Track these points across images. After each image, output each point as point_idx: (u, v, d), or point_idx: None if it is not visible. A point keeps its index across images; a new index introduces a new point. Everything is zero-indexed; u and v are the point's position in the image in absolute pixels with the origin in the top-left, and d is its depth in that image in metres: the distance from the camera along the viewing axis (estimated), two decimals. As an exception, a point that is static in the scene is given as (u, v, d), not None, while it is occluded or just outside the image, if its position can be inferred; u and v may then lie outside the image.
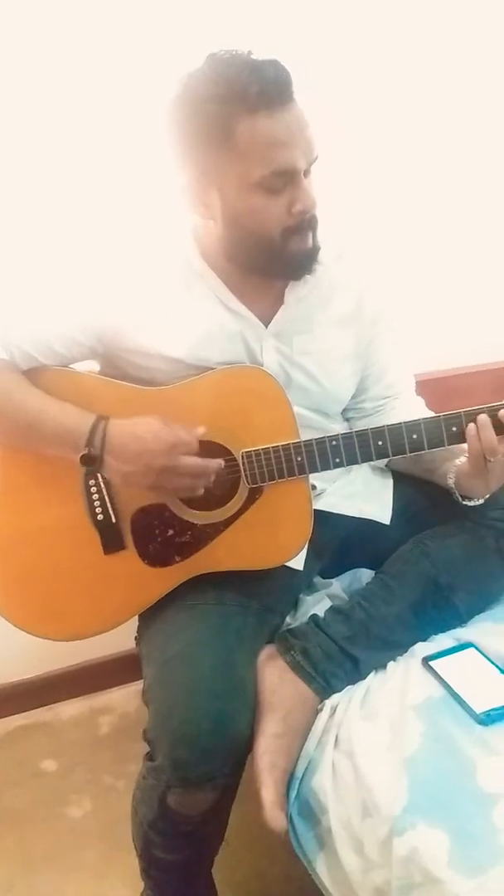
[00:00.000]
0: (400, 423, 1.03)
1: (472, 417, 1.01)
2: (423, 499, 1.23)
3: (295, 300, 1.10)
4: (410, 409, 1.19)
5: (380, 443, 1.03)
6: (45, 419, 1.02)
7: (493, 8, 1.57)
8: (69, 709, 1.71)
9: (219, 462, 1.03)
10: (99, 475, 1.05)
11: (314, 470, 1.05)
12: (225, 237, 1.02)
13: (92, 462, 1.00)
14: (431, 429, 1.02)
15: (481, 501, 1.12)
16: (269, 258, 1.02)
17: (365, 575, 1.25)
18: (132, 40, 1.31)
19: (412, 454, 1.05)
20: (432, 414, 1.19)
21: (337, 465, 1.05)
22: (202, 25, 1.31)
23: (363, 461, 1.05)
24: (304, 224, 1.00)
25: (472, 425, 1.00)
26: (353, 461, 1.05)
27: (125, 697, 1.72)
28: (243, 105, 0.90)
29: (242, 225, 0.99)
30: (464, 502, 1.12)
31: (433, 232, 1.71)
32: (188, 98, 0.94)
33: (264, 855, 1.29)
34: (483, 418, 0.99)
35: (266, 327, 1.09)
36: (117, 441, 1.00)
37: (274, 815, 0.91)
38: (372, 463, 1.29)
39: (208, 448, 1.05)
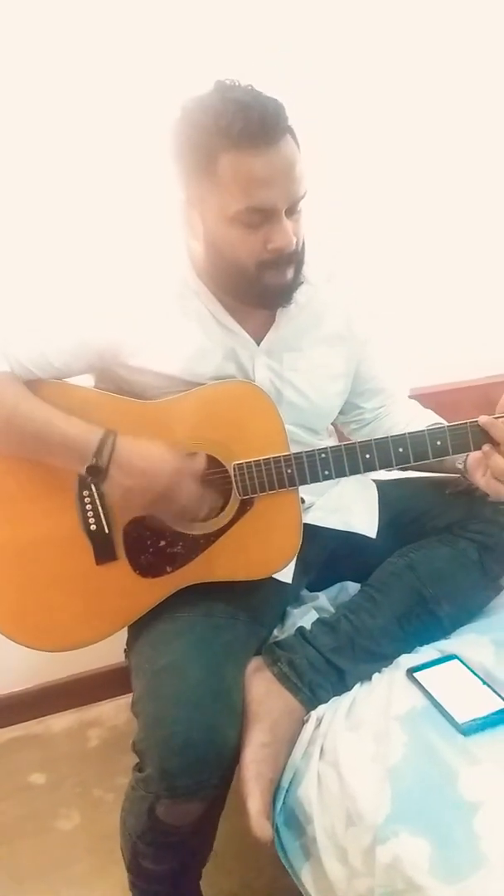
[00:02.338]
0: (386, 438, 1.05)
1: (455, 431, 1.03)
2: (408, 513, 1.26)
3: (286, 320, 1.12)
4: (407, 411, 1.25)
5: (367, 456, 1.06)
6: (53, 430, 1.03)
7: (479, 35, 1.62)
8: (60, 721, 1.72)
9: (215, 496, 1.06)
10: (93, 486, 1.06)
11: (304, 482, 1.07)
12: (206, 259, 1.04)
13: (97, 473, 1.01)
14: (417, 443, 1.05)
15: None
16: (245, 287, 1.04)
17: (352, 588, 1.27)
18: (135, 63, 1.35)
19: (400, 466, 1.07)
20: (428, 412, 1.25)
21: (326, 478, 1.07)
22: (204, 50, 1.35)
23: (351, 473, 1.07)
24: (282, 259, 1.01)
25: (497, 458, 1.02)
26: (341, 473, 1.07)
27: (115, 710, 1.73)
28: (227, 139, 0.93)
29: (220, 252, 1.01)
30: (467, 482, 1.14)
31: (421, 254, 1.75)
32: (184, 123, 0.97)
33: (252, 866, 1.30)
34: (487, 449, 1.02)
35: (258, 345, 1.12)
36: (125, 456, 1.01)
37: (260, 825, 0.92)
38: (359, 476, 1.32)
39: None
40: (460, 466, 1.12)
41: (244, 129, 0.92)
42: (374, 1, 1.51)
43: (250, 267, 1.00)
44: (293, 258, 1.02)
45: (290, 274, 1.03)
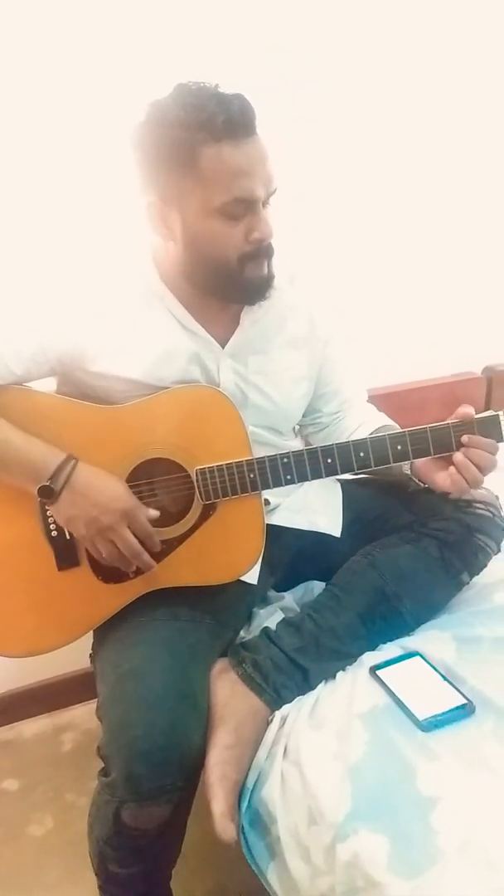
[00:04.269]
0: (348, 442, 1.06)
1: (415, 436, 1.05)
2: (371, 511, 1.27)
3: (250, 322, 1.13)
4: (363, 416, 1.25)
5: (329, 461, 1.07)
6: (9, 448, 1.03)
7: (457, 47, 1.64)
8: (32, 727, 1.71)
9: (151, 562, 1.07)
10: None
11: (266, 486, 1.08)
12: (184, 259, 1.04)
13: (49, 495, 1.02)
14: (378, 448, 1.06)
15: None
16: (226, 282, 1.05)
17: (317, 587, 1.28)
18: (96, 69, 1.34)
19: (361, 471, 1.08)
20: (381, 416, 1.26)
21: (288, 482, 1.08)
22: (167, 55, 1.35)
23: (313, 478, 1.08)
24: (261, 252, 1.03)
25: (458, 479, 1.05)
26: (303, 478, 1.08)
27: (88, 714, 1.72)
28: (209, 133, 0.94)
29: (201, 248, 1.02)
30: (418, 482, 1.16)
31: (386, 253, 1.76)
32: (155, 123, 0.97)
33: (223, 868, 1.30)
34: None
35: (223, 348, 1.12)
36: (80, 485, 1.02)
37: (223, 827, 0.93)
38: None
39: (163, 465, 1.07)
40: (407, 472, 1.14)
41: (227, 122, 0.93)
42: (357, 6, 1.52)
43: (232, 260, 1.02)
44: (269, 251, 1.04)
45: (266, 267, 1.05)
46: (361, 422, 1.24)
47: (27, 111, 1.34)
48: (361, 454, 1.06)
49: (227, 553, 1.12)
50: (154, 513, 1.06)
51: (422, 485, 1.17)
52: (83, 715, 1.73)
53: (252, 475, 1.07)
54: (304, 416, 1.28)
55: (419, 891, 0.76)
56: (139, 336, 1.07)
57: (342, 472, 1.08)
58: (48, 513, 1.08)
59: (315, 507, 1.26)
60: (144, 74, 1.32)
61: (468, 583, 1.23)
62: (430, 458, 1.07)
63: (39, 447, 1.03)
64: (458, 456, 1.05)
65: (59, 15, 1.30)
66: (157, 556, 1.10)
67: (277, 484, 1.07)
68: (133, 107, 0.99)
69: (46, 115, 1.35)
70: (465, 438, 1.04)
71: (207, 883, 1.30)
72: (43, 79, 1.32)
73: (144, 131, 0.98)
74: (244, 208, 0.99)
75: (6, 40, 1.29)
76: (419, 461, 1.11)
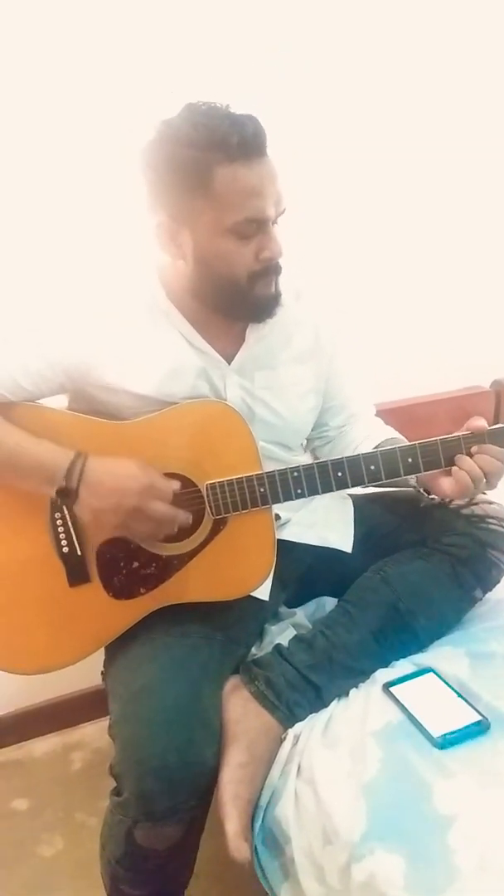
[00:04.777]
0: (358, 455, 1.06)
1: (426, 448, 1.05)
2: (382, 527, 1.27)
3: (255, 339, 1.14)
4: (369, 429, 1.25)
5: (339, 474, 1.07)
6: (22, 453, 1.03)
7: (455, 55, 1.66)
8: (42, 746, 1.70)
9: (187, 515, 1.06)
10: (65, 508, 1.06)
11: (276, 500, 1.08)
12: (193, 277, 1.05)
13: (67, 496, 1.02)
14: (388, 461, 1.06)
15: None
16: (235, 300, 1.06)
17: (329, 603, 1.27)
18: (103, 84, 1.36)
19: (372, 484, 1.08)
20: (388, 429, 1.25)
21: (299, 496, 1.07)
22: (172, 75, 1.36)
23: (324, 492, 1.08)
24: (270, 270, 1.05)
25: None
26: (314, 492, 1.07)
27: (99, 732, 1.71)
28: (223, 153, 0.95)
29: (211, 266, 1.03)
30: (430, 497, 1.15)
31: (395, 268, 1.77)
32: (166, 142, 0.98)
33: (235, 889, 1.28)
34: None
35: (229, 364, 1.13)
36: (94, 477, 1.02)
37: (237, 846, 0.92)
38: (334, 493, 1.33)
39: (174, 480, 1.07)
40: (413, 483, 1.13)
41: (241, 143, 0.95)
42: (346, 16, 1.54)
43: (242, 279, 1.03)
44: (278, 269, 1.06)
45: (275, 285, 1.06)
46: (367, 434, 1.24)
47: (37, 132, 1.35)
48: (372, 467, 1.06)
49: (238, 568, 1.12)
50: (175, 484, 1.05)
51: (434, 499, 1.16)
52: (93, 734, 1.72)
53: (262, 489, 1.07)
54: (310, 430, 1.28)
55: (437, 912, 0.75)
56: (146, 352, 1.08)
57: (352, 486, 1.08)
58: (59, 529, 1.08)
59: (326, 523, 1.25)
60: (150, 90, 1.33)
61: (481, 599, 1.22)
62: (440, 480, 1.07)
63: (49, 449, 1.03)
64: (467, 460, 1.04)
65: (61, 34, 1.32)
66: (169, 572, 1.10)
67: (288, 498, 1.07)
68: (140, 126, 1.01)
69: (55, 136, 1.36)
70: (475, 449, 1.04)
71: (217, 904, 1.29)
72: (52, 98, 1.34)
73: (155, 150, 0.99)
74: (255, 228, 1.00)
75: (16, 61, 1.31)
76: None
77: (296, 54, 1.50)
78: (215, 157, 0.95)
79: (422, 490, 1.16)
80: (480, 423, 1.05)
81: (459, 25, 1.64)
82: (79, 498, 1.02)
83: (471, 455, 1.04)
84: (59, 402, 1.15)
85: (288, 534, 1.22)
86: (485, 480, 1.04)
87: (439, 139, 1.71)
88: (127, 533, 1.06)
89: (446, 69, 1.66)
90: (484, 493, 1.25)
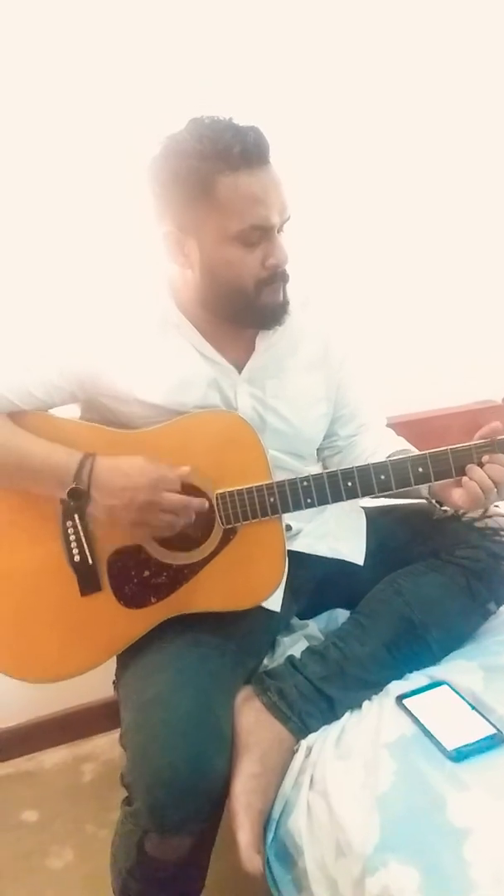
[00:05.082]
0: (368, 465, 1.06)
1: (437, 458, 1.04)
2: (395, 539, 1.26)
3: (265, 347, 1.14)
4: (379, 439, 1.25)
5: (349, 483, 1.07)
6: (33, 457, 1.04)
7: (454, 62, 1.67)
8: (52, 757, 1.70)
9: (201, 501, 1.06)
10: (76, 517, 1.07)
11: (286, 510, 1.08)
12: (201, 286, 1.07)
13: (79, 497, 1.03)
14: (399, 470, 1.06)
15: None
16: (243, 308, 1.07)
17: (341, 615, 1.27)
18: (112, 102, 1.39)
19: (382, 493, 1.07)
20: (399, 440, 1.25)
21: (309, 506, 1.07)
22: (181, 91, 1.39)
23: (334, 501, 1.07)
24: (277, 277, 1.06)
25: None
26: (323, 501, 1.07)
27: (110, 744, 1.71)
28: (225, 163, 0.97)
29: (218, 275, 1.04)
30: (442, 509, 1.14)
31: (403, 284, 1.78)
32: (171, 155, 1.00)
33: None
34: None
35: (239, 373, 1.13)
36: (104, 476, 1.02)
37: (249, 857, 0.91)
38: (345, 504, 1.33)
39: (184, 489, 1.07)
40: (426, 494, 1.13)
41: (244, 152, 0.97)
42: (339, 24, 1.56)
43: (249, 286, 1.04)
44: (285, 276, 1.07)
45: (282, 292, 1.08)
46: (378, 444, 1.24)
47: (49, 147, 1.38)
48: (382, 477, 1.06)
49: (248, 578, 1.11)
50: (186, 468, 1.05)
51: (446, 511, 1.16)
52: (103, 745, 1.72)
53: (272, 499, 1.07)
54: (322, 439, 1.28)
55: (452, 925, 0.74)
56: (157, 362, 1.09)
57: (363, 495, 1.07)
58: (71, 538, 1.08)
59: (338, 535, 1.25)
60: (157, 105, 1.36)
61: (495, 612, 1.21)
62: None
63: (58, 451, 1.04)
64: (477, 470, 1.03)
65: (74, 56, 1.35)
66: (179, 581, 1.10)
67: (298, 507, 1.07)
68: (148, 138, 1.03)
69: (69, 150, 1.39)
70: (486, 458, 1.04)
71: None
72: (65, 114, 1.37)
73: (161, 163, 1.01)
74: (260, 235, 1.01)
75: (26, 81, 1.34)
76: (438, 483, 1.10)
77: (304, 67, 1.52)
78: (218, 167, 0.97)
79: (434, 502, 1.16)
80: (495, 425, 1.04)
81: (463, 35, 1.66)
82: (91, 498, 1.03)
83: (482, 465, 1.04)
84: (72, 411, 1.16)
85: (300, 545, 1.21)
86: (496, 491, 1.03)
87: (448, 148, 1.72)
88: (145, 528, 1.06)
89: (463, 86, 1.68)
90: (497, 506, 1.26)
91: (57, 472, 1.03)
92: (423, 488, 1.13)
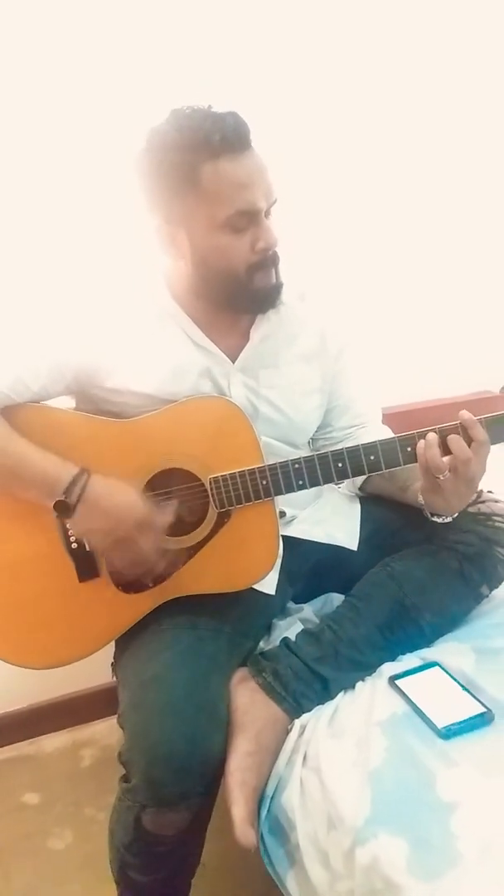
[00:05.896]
0: (357, 446, 1.08)
1: (423, 436, 1.06)
2: (389, 525, 1.28)
3: (260, 338, 1.16)
4: (374, 434, 1.24)
5: (339, 464, 1.08)
6: (26, 464, 1.05)
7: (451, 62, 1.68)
8: (53, 742, 1.72)
9: (167, 565, 1.09)
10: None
11: (279, 492, 1.09)
12: (194, 275, 1.08)
13: (65, 510, 1.03)
14: (387, 449, 1.07)
15: (449, 519, 1.14)
16: (236, 293, 1.09)
17: (336, 599, 1.29)
18: (106, 96, 1.40)
19: (372, 473, 1.10)
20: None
21: (301, 487, 1.09)
22: (167, 83, 1.40)
23: (325, 482, 1.09)
24: (268, 260, 1.07)
25: (420, 442, 1.05)
26: (315, 483, 1.09)
27: (108, 729, 1.73)
28: (207, 151, 0.98)
29: (210, 263, 1.06)
30: (433, 519, 1.15)
31: (400, 275, 1.79)
32: (154, 149, 1.02)
33: (241, 879, 1.30)
34: (430, 437, 1.04)
35: (233, 363, 1.15)
36: (93, 496, 1.03)
37: (243, 831, 0.94)
38: (342, 490, 1.34)
39: (178, 475, 1.09)
40: (420, 500, 1.14)
41: (224, 138, 0.98)
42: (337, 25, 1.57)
43: (241, 271, 1.05)
44: (276, 259, 1.08)
45: (274, 275, 1.09)
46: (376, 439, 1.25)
47: (47, 138, 1.40)
48: (371, 457, 1.07)
49: (243, 560, 1.13)
50: (169, 518, 1.07)
51: (438, 519, 1.16)
52: (103, 731, 1.74)
53: (265, 482, 1.08)
54: (315, 431, 1.29)
55: (438, 893, 0.76)
56: (152, 353, 1.10)
57: (353, 476, 1.09)
58: (68, 525, 1.10)
59: (332, 520, 1.27)
60: (149, 98, 1.37)
61: (487, 595, 1.23)
62: (427, 480, 1.07)
63: (54, 462, 1.04)
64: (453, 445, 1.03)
65: (67, 51, 1.36)
66: (175, 565, 1.11)
67: (290, 490, 1.09)
68: (137, 131, 1.04)
69: (64, 144, 1.41)
70: (451, 437, 1.04)
71: (226, 893, 1.29)
72: (58, 106, 1.39)
73: (145, 158, 1.03)
74: (248, 220, 1.03)
75: (21, 74, 1.35)
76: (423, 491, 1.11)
77: (300, 54, 1.53)
78: (200, 156, 0.98)
79: (428, 513, 1.16)
80: (466, 414, 1.05)
81: (457, 23, 1.67)
82: (75, 513, 1.03)
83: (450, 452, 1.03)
84: (66, 403, 1.17)
85: (295, 531, 1.23)
86: (463, 472, 1.03)
87: (444, 141, 1.74)
88: (113, 556, 1.08)
89: (458, 79, 1.69)
90: (490, 492, 1.27)
91: (48, 481, 1.03)
92: (419, 498, 1.14)
